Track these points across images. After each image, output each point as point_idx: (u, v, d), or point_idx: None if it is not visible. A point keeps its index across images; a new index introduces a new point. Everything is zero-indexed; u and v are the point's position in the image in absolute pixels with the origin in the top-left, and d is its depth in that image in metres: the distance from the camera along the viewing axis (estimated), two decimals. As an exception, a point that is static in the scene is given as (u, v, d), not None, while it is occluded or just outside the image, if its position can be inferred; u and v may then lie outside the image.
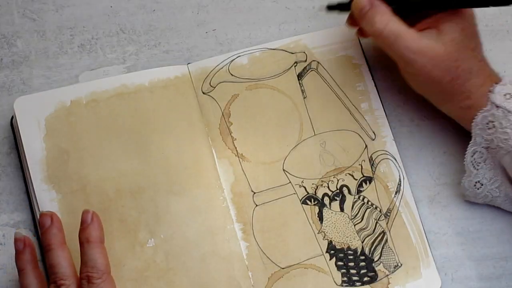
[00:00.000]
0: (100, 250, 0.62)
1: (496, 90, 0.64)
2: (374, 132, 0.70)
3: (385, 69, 0.73)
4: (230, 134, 0.70)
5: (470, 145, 0.66)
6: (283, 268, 0.67)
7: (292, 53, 0.72)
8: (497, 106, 0.64)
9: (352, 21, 0.69)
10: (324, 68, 0.72)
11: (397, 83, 0.72)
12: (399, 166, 0.69)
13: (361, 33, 0.71)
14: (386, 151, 0.70)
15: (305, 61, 0.72)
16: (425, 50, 0.64)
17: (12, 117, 0.69)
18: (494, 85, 0.65)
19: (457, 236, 0.70)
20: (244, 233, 0.68)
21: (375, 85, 0.72)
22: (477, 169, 0.66)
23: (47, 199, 0.66)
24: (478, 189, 0.67)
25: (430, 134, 0.72)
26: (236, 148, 0.70)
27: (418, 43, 0.64)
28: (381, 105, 0.71)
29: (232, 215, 0.68)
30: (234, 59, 0.72)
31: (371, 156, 0.70)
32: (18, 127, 0.67)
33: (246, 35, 0.75)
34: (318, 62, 0.72)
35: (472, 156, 0.66)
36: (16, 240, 0.63)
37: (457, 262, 0.69)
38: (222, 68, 0.71)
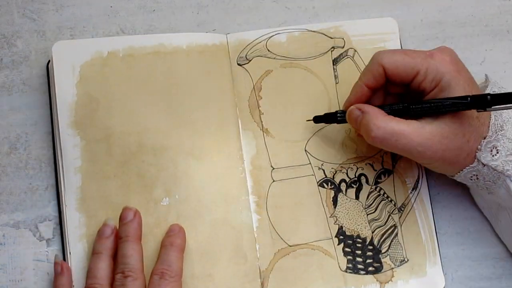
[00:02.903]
0: (135, 246, 0.64)
1: (483, 145, 0.62)
2: (400, 127, 0.70)
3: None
4: (258, 108, 0.70)
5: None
6: (290, 246, 0.68)
7: (331, 38, 0.72)
8: (484, 164, 0.62)
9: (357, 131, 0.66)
10: (360, 57, 0.72)
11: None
12: (420, 164, 0.69)
13: None
14: (410, 147, 0.70)
15: (343, 47, 0.72)
16: (430, 138, 0.61)
17: (49, 61, 0.70)
18: (482, 141, 0.62)
19: (457, 236, 0.70)
20: (258, 206, 0.68)
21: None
22: None
23: (70, 144, 0.67)
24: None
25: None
26: (262, 122, 0.70)
27: (420, 135, 0.61)
28: (411, 101, 0.71)
29: (248, 187, 0.68)
30: (273, 35, 0.72)
31: (393, 150, 0.70)
32: (53, 70, 0.68)
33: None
34: (355, 50, 0.72)
35: None
36: (55, 264, 0.65)
37: (457, 262, 0.70)
38: (260, 42, 0.72)
